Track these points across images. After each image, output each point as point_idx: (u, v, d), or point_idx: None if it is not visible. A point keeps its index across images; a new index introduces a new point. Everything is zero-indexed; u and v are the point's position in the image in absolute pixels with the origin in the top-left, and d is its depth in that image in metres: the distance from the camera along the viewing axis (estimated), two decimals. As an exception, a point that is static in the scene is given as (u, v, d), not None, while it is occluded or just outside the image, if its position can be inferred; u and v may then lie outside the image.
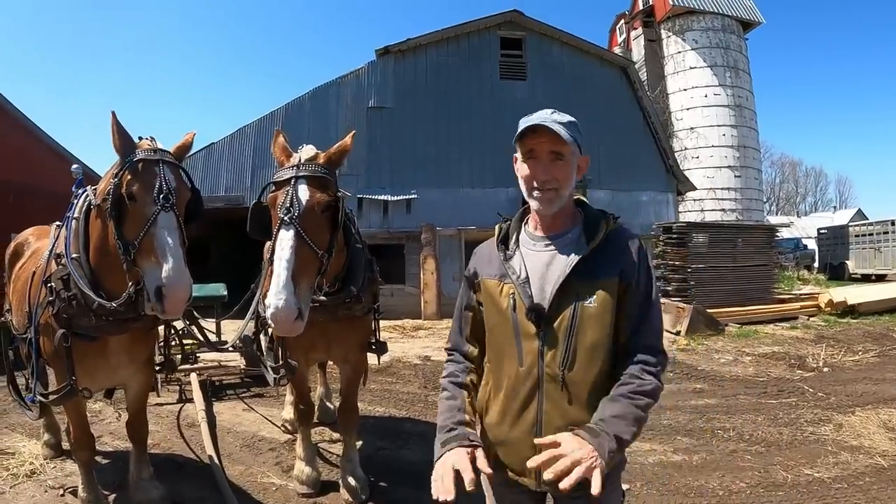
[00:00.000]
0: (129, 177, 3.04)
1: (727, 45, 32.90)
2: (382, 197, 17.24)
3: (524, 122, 1.97)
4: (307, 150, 3.39)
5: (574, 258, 1.96)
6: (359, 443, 5.28)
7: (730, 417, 6.88)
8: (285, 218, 3.02)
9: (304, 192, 3.13)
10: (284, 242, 2.96)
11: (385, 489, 4.78)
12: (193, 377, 7.06)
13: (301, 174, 3.17)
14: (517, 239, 2.14)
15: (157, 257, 2.94)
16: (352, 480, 4.51)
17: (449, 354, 2.33)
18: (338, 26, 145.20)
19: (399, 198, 17.40)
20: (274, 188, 3.22)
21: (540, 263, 2.03)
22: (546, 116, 1.97)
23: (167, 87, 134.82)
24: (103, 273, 3.37)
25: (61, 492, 4.53)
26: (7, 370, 4.86)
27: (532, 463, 1.75)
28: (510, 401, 2.02)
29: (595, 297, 1.94)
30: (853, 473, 5.16)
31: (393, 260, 16.96)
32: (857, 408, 7.07)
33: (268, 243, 5.34)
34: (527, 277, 2.02)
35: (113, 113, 3.08)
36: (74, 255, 3.40)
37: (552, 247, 2.05)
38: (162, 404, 6.98)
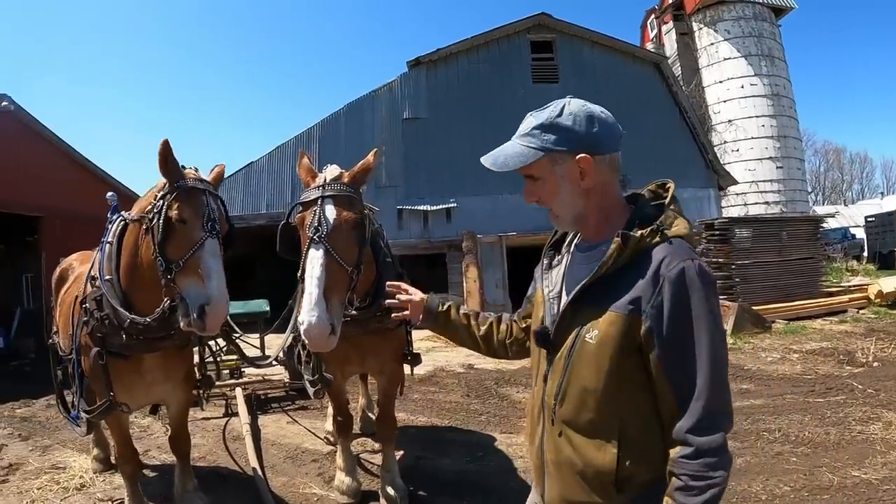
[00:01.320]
0: (178, 202, 3.25)
1: (760, 33, 32.30)
2: (422, 207, 17.38)
3: (482, 159, 1.85)
4: (331, 171, 3.50)
5: (583, 280, 1.69)
6: (399, 452, 5.40)
7: (776, 418, 6.74)
8: (314, 237, 3.12)
9: (330, 211, 3.24)
10: (314, 261, 3.06)
11: (424, 498, 4.86)
12: (238, 391, 7.27)
13: (327, 194, 3.29)
14: (570, 244, 1.92)
15: (202, 278, 3.14)
16: (391, 490, 4.59)
17: None
18: (369, 39, 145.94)
19: (438, 207, 17.55)
20: (301, 209, 3.33)
21: (573, 277, 1.79)
22: (504, 148, 1.81)
23: (204, 105, 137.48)
24: (133, 292, 3.58)
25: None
26: (56, 389, 5.10)
27: None
28: (530, 414, 1.94)
29: (596, 332, 1.65)
30: None
31: (435, 269, 17.08)
32: (907, 405, 6.87)
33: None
34: (559, 292, 1.83)
35: (166, 141, 3.30)
36: (108, 277, 3.62)
37: (580, 259, 1.82)
38: (208, 418, 7.22)
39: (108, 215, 4.08)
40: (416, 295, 2.37)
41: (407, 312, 2.36)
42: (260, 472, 5.12)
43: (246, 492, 4.96)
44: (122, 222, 3.76)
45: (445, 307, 2.32)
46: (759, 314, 12.96)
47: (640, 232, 1.63)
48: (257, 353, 7.70)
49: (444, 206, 17.71)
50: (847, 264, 28.31)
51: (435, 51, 18.29)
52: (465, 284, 17.10)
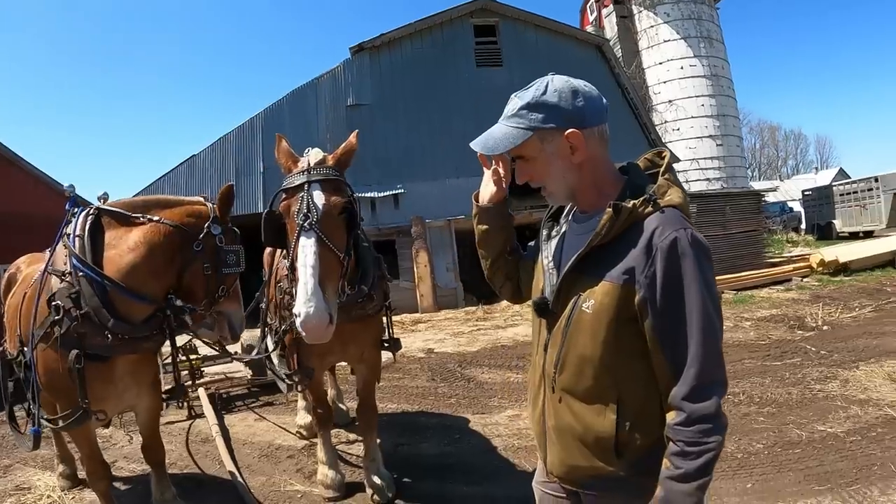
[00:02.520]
0: (233, 242, 3.71)
1: (699, 16, 33.01)
2: (369, 194, 17.19)
3: (472, 144, 1.81)
4: (315, 154, 3.35)
5: (579, 251, 1.71)
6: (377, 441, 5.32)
7: (738, 382, 6.93)
8: (304, 224, 3.00)
9: (319, 196, 3.11)
10: (307, 249, 2.95)
11: (410, 485, 4.78)
12: (202, 392, 7.03)
13: (314, 178, 3.15)
14: (568, 214, 1.94)
15: (240, 304, 3.89)
16: (377, 479, 4.51)
17: None
18: (310, 27, 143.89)
19: (386, 193, 17.40)
20: (285, 195, 3.19)
21: (570, 248, 1.81)
22: (492, 131, 1.79)
23: (140, 97, 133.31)
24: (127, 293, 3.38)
25: None
26: (6, 402, 4.67)
27: None
28: (531, 382, 1.96)
29: (592, 301, 1.67)
30: (865, 426, 5.25)
31: (385, 256, 16.94)
32: (860, 362, 7.18)
33: (268, 250, 5.34)
34: (558, 263, 1.85)
35: (230, 186, 3.70)
36: (81, 273, 3.33)
37: (576, 230, 1.84)
38: (172, 422, 6.93)
39: (68, 207, 3.78)
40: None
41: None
42: (237, 474, 4.94)
43: (225, 495, 4.77)
44: (93, 217, 3.49)
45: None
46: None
47: (632, 202, 1.63)
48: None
49: (391, 193, 17.59)
50: (787, 236, 29.49)
51: (378, 36, 18.08)
52: (415, 270, 17.12)
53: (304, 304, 2.81)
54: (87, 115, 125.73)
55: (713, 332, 1.56)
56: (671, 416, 1.57)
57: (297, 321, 2.83)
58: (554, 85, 1.71)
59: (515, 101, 1.74)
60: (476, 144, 1.78)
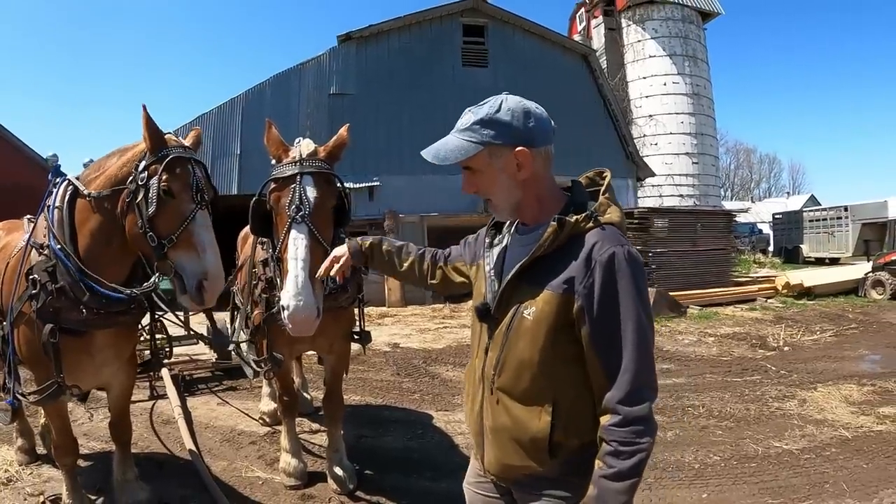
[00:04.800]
0: (165, 173, 3.01)
1: (686, 34, 33.34)
2: (344, 185, 17.08)
3: (423, 153, 1.87)
4: (306, 145, 3.32)
5: (521, 261, 1.78)
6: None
7: (698, 395, 7.09)
8: (297, 217, 3.00)
9: (311, 189, 3.10)
10: (298, 242, 2.94)
11: (372, 477, 4.78)
12: (165, 372, 6.90)
13: (306, 170, 3.13)
14: (511, 225, 1.99)
15: (198, 252, 2.99)
16: (339, 470, 4.49)
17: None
18: (299, 12, 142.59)
19: (361, 185, 17.28)
20: (275, 185, 3.17)
21: (512, 258, 1.87)
22: (445, 142, 1.84)
23: (118, 73, 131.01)
24: (98, 265, 3.26)
25: (41, 499, 4.36)
26: None
27: None
28: (469, 383, 2.04)
29: (533, 308, 1.74)
30: (820, 445, 5.40)
31: (357, 249, 16.90)
32: (818, 384, 7.36)
33: (242, 233, 5.30)
34: (500, 271, 1.91)
35: (144, 106, 3.03)
36: (60, 246, 3.27)
37: (518, 241, 1.91)
38: (134, 401, 6.73)
39: (50, 177, 3.69)
40: (339, 251, 2.43)
41: (340, 268, 2.40)
42: (199, 457, 4.85)
43: (186, 478, 4.67)
44: (71, 186, 3.38)
45: (368, 245, 2.44)
46: (675, 300, 13.49)
47: (574, 217, 1.72)
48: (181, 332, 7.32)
49: (366, 185, 17.51)
50: (755, 257, 30.17)
51: (367, 27, 17.97)
52: (385, 263, 16.94)
53: (293, 296, 2.81)
54: (68, 83, 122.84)
55: (646, 342, 1.65)
56: (606, 419, 1.65)
57: (285, 313, 2.82)
58: (508, 104, 1.77)
59: (469, 116, 1.81)
60: (428, 153, 1.85)
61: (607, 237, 1.70)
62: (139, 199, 3.03)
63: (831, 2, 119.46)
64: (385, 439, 5.72)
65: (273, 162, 3.31)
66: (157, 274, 3.21)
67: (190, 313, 6.33)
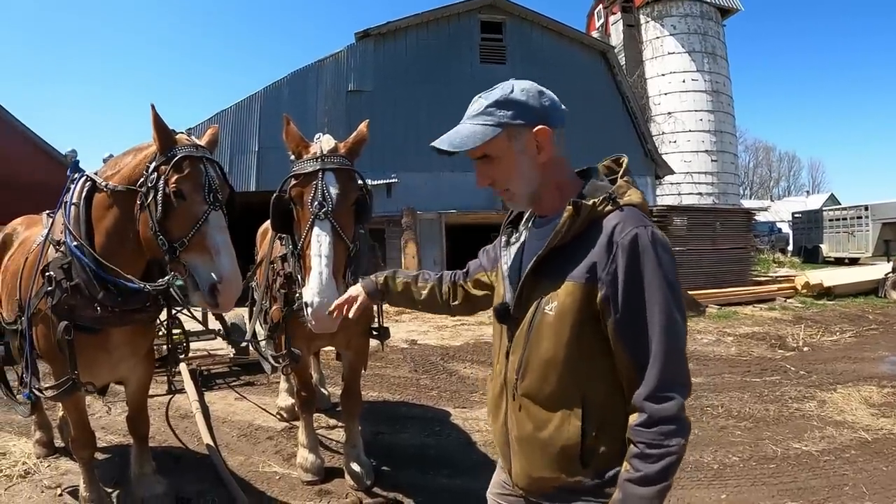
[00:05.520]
0: (175, 175, 2.96)
1: (705, 31, 33.06)
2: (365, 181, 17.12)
3: (434, 143, 1.74)
4: (326, 140, 3.31)
5: (539, 252, 1.67)
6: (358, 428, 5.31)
7: (717, 395, 7.03)
8: (320, 213, 2.99)
9: (334, 185, 3.09)
10: (322, 238, 2.94)
11: (389, 473, 4.78)
12: (183, 367, 6.96)
13: (328, 167, 3.13)
14: (528, 220, 1.89)
15: (211, 256, 2.92)
16: (356, 466, 4.50)
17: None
18: (317, 8, 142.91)
19: (379, 182, 17.29)
20: (296, 181, 3.16)
21: (530, 252, 1.76)
22: (459, 130, 1.73)
23: (139, 69, 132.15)
24: (113, 263, 3.25)
25: (59, 491, 4.40)
26: None
27: None
28: (492, 392, 1.92)
29: (554, 303, 1.63)
30: (839, 447, 5.33)
31: (377, 245, 16.93)
32: (838, 385, 7.27)
33: (261, 230, 5.32)
34: (518, 268, 1.80)
35: (152, 106, 3.00)
36: (76, 243, 3.27)
37: (535, 234, 1.80)
38: (151, 396, 6.79)
39: (69, 173, 3.68)
40: (354, 290, 2.37)
41: (356, 308, 2.34)
42: (216, 452, 4.89)
43: (203, 472, 4.71)
44: (89, 182, 3.37)
45: (382, 280, 2.35)
46: (694, 298, 13.39)
47: (592, 200, 1.62)
48: (199, 326, 7.34)
49: (384, 181, 17.54)
50: (774, 256, 29.81)
51: (384, 24, 18.03)
52: (403, 260, 17.12)
53: (317, 293, 2.81)
54: (89, 84, 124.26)
55: (675, 332, 1.53)
56: (633, 418, 1.54)
57: (308, 310, 2.82)
58: (520, 85, 1.70)
59: (481, 101, 1.71)
60: (441, 143, 1.72)
61: (629, 218, 1.59)
62: (149, 200, 2.98)
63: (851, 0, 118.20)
64: (402, 436, 5.73)
65: (292, 158, 3.31)
66: (171, 274, 3.19)
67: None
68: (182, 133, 3.19)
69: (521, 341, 1.73)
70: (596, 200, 1.61)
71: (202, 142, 3.25)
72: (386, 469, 4.85)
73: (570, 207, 1.60)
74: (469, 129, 1.69)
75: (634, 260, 1.53)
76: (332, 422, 5.95)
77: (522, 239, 1.87)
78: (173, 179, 2.94)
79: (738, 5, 34.56)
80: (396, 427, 5.96)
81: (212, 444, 5.00)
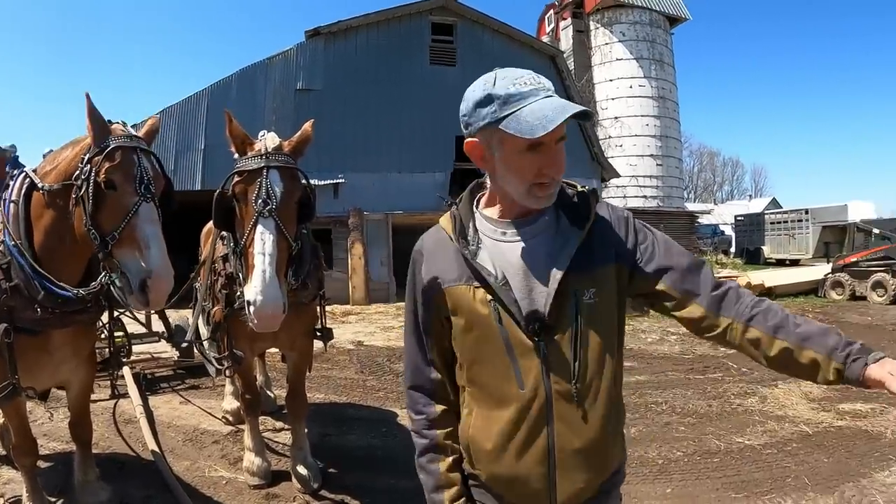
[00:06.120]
0: (107, 164, 2.85)
1: (654, 38, 33.69)
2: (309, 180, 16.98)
3: (555, 111, 1.44)
4: (271, 138, 3.28)
5: (571, 246, 1.57)
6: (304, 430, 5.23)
7: (662, 392, 7.21)
8: (264, 211, 2.96)
9: (279, 183, 3.07)
10: (266, 236, 2.92)
11: (336, 476, 4.73)
12: (127, 371, 6.74)
13: (273, 164, 3.09)
14: (475, 228, 1.69)
15: (140, 249, 2.81)
16: (302, 469, 4.43)
17: (413, 395, 1.81)
18: (268, 5, 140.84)
19: (326, 182, 17.17)
20: (239, 178, 3.11)
21: (515, 258, 1.61)
22: (561, 100, 1.51)
23: (84, 65, 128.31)
24: (53, 262, 3.14)
25: (1, 502, 4.23)
26: None
27: None
28: (513, 429, 1.60)
29: (595, 289, 1.57)
30: (781, 440, 5.51)
31: (320, 245, 16.79)
32: (779, 381, 7.47)
33: (205, 229, 5.20)
34: (504, 277, 1.59)
35: (87, 95, 2.89)
36: (14, 242, 3.13)
37: (527, 235, 1.63)
38: (95, 401, 6.55)
39: (8, 169, 3.53)
40: None
41: None
42: (161, 457, 4.76)
43: (148, 479, 4.58)
44: (28, 179, 3.23)
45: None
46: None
47: (591, 188, 1.69)
48: (142, 329, 7.14)
49: (331, 182, 17.43)
50: (717, 258, 30.68)
51: (335, 22, 17.90)
52: (349, 261, 17.12)
53: (260, 291, 2.79)
54: (31, 75, 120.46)
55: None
56: (740, 305, 1.59)
57: (251, 309, 2.80)
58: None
59: (542, 80, 1.56)
60: (575, 107, 1.48)
61: (610, 204, 1.72)
62: (82, 192, 2.88)
63: (794, 10, 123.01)
64: (349, 437, 5.68)
65: (236, 155, 3.26)
66: (105, 273, 3.07)
67: (152, 311, 6.20)
68: (118, 123, 3.10)
69: (566, 345, 1.57)
70: (594, 194, 1.68)
71: (140, 133, 3.14)
72: (333, 471, 4.80)
73: (592, 197, 1.65)
74: (562, 101, 1.51)
75: (644, 226, 1.70)
76: (279, 424, 5.86)
77: (503, 246, 1.64)
78: (104, 169, 2.84)
79: (687, 15, 35.35)
80: (343, 429, 5.91)
81: (157, 449, 4.87)
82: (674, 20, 35.16)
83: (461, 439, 1.74)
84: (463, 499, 1.73)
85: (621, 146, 32.62)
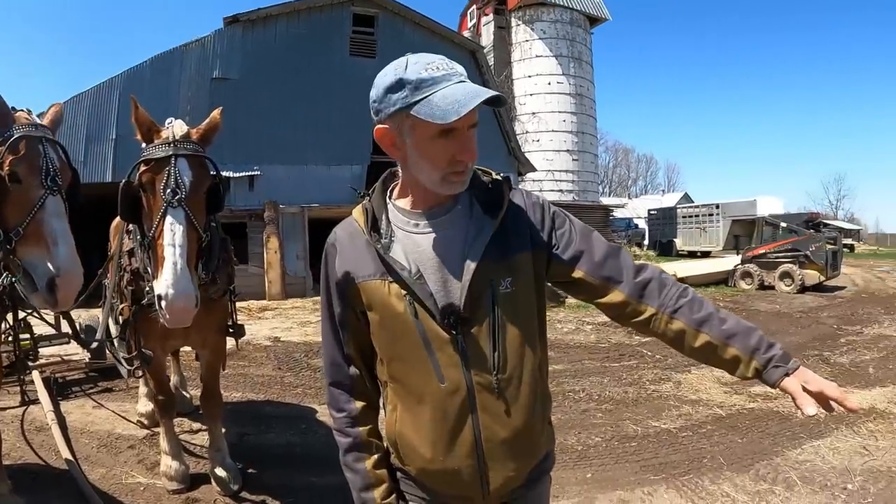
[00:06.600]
0: (10, 156, 2.68)
1: (573, 37, 34.39)
2: (224, 173, 16.49)
3: (467, 96, 1.42)
4: (179, 126, 3.16)
5: (485, 235, 1.55)
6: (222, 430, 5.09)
7: (579, 381, 7.43)
8: (173, 201, 2.85)
9: (187, 171, 2.96)
10: (175, 227, 2.81)
11: (256, 476, 4.63)
12: (36, 375, 6.36)
13: (181, 153, 2.98)
14: (388, 220, 1.65)
15: (47, 246, 2.66)
16: (221, 471, 4.31)
17: (333, 391, 1.77)
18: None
19: (241, 174, 16.81)
20: (147, 167, 2.98)
21: (429, 250, 1.58)
22: (475, 85, 1.48)
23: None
24: None
25: None
26: None
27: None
28: (438, 424, 1.59)
29: (512, 277, 1.57)
30: (696, 423, 5.78)
31: (235, 239, 16.39)
32: (692, 367, 7.80)
33: (115, 223, 4.99)
34: (419, 271, 1.56)
35: None
36: None
37: (440, 225, 1.60)
38: (3, 409, 6.19)
39: None
40: None
41: None
42: (76, 466, 4.51)
43: (64, 488, 4.33)
44: None
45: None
46: (554, 289, 13.80)
47: (507, 182, 1.68)
48: (51, 331, 6.75)
49: (247, 174, 17.05)
50: (630, 250, 31.58)
51: (255, 10, 17.35)
52: (265, 255, 16.82)
53: (171, 285, 2.68)
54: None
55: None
56: (664, 293, 1.62)
57: (163, 303, 2.69)
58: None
59: (455, 66, 1.53)
60: (488, 92, 1.45)
61: (525, 191, 1.71)
62: None
63: (707, 11, 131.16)
64: (268, 436, 5.57)
65: (143, 144, 3.12)
66: (5, 274, 2.92)
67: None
68: (22, 111, 2.94)
69: (484, 337, 1.56)
70: (507, 181, 1.67)
71: (44, 121, 3.00)
72: (253, 471, 4.69)
73: (505, 185, 1.64)
74: (475, 86, 1.49)
75: (560, 212, 1.70)
76: (196, 425, 5.66)
77: (415, 239, 1.61)
78: (7, 161, 2.68)
79: (607, 15, 36.26)
80: (262, 427, 5.79)
81: (70, 457, 4.60)
82: (594, 20, 36.00)
83: (388, 435, 1.72)
84: (393, 495, 1.73)
85: (538, 141, 33.17)
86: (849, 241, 39.99)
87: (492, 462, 1.60)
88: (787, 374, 1.48)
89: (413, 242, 1.59)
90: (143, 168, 3.00)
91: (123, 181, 3.05)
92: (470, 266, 1.53)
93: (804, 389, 1.45)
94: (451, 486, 1.65)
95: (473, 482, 1.62)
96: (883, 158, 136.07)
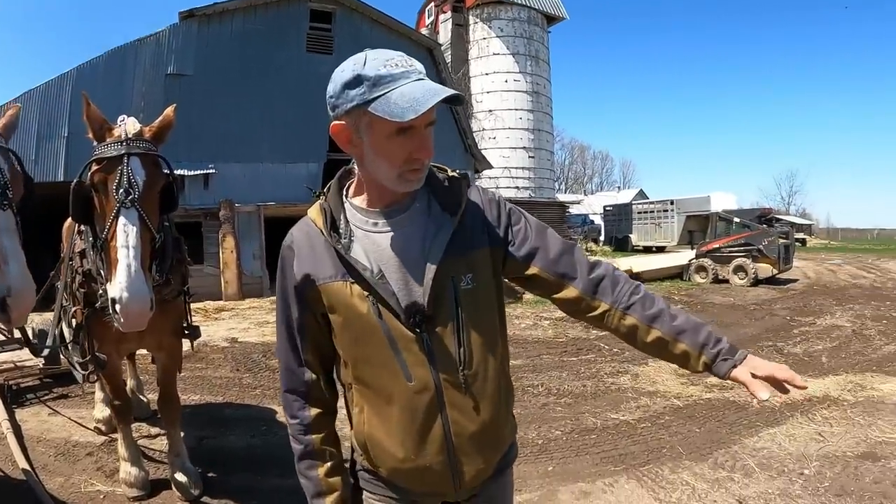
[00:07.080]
0: None
1: (531, 35, 34.67)
2: (178, 172, 16.11)
3: (426, 95, 1.42)
4: (131, 123, 3.09)
5: (445, 233, 1.56)
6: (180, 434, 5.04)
7: (537, 375, 7.54)
8: (126, 201, 2.80)
9: (140, 171, 2.90)
10: (129, 228, 2.76)
11: (217, 479, 4.58)
12: None
13: (133, 151, 2.92)
14: (346, 220, 1.64)
15: None
16: (181, 476, 4.26)
17: (288, 398, 1.76)
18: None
19: (196, 172, 16.50)
20: (97, 166, 2.93)
21: (389, 249, 1.58)
22: (433, 83, 1.48)
23: None
24: None
25: None
26: None
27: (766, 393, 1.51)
28: (408, 423, 1.60)
29: (472, 273, 1.58)
30: (654, 414, 5.93)
31: (190, 239, 16.13)
32: (649, 359, 7.89)
33: (67, 224, 4.89)
34: (380, 271, 1.55)
35: None
36: None
37: (399, 224, 1.60)
38: None
39: None
40: None
41: None
42: (33, 475, 4.35)
43: (20, 500, 4.23)
44: None
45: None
46: (511, 285, 13.93)
47: (465, 179, 1.69)
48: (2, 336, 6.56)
49: (202, 172, 16.71)
50: (587, 245, 32.28)
51: (211, 4, 16.98)
52: (221, 255, 16.59)
53: (126, 287, 2.64)
54: None
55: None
56: (616, 291, 1.67)
57: (117, 307, 2.64)
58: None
59: (414, 63, 1.51)
60: (447, 91, 1.46)
61: (481, 188, 1.72)
62: None
63: (662, 11, 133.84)
64: (228, 438, 5.52)
65: (94, 142, 3.06)
66: None
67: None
68: None
69: (449, 334, 1.57)
70: (466, 178, 1.69)
71: None
72: (213, 475, 4.64)
73: (464, 182, 1.66)
74: (434, 84, 1.49)
75: (516, 209, 1.72)
76: (154, 430, 5.58)
77: (379, 235, 1.61)
78: None
79: (565, 14, 36.63)
80: (222, 430, 5.73)
81: (28, 466, 4.45)
82: (552, 19, 36.34)
83: (356, 438, 1.71)
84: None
85: (495, 139, 33.36)
86: (801, 235, 41.38)
87: (463, 456, 1.62)
88: (734, 366, 1.55)
89: (373, 242, 1.59)
90: (94, 167, 2.95)
91: (75, 181, 2.98)
92: (431, 264, 1.54)
93: (754, 376, 1.51)
94: (423, 484, 1.66)
95: (445, 478, 1.64)
96: (834, 155, 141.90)
